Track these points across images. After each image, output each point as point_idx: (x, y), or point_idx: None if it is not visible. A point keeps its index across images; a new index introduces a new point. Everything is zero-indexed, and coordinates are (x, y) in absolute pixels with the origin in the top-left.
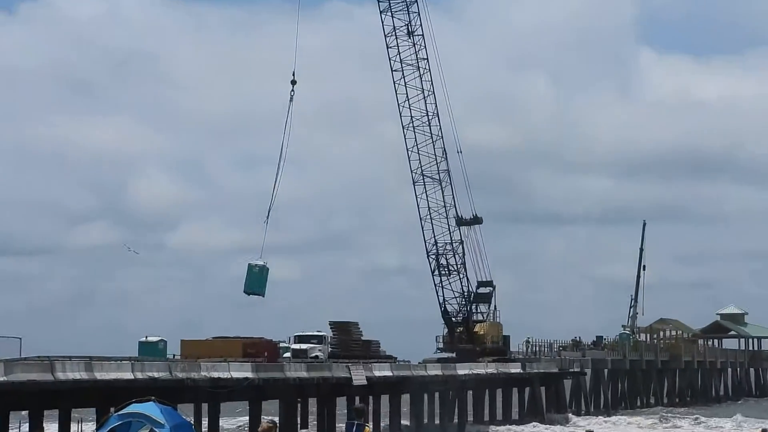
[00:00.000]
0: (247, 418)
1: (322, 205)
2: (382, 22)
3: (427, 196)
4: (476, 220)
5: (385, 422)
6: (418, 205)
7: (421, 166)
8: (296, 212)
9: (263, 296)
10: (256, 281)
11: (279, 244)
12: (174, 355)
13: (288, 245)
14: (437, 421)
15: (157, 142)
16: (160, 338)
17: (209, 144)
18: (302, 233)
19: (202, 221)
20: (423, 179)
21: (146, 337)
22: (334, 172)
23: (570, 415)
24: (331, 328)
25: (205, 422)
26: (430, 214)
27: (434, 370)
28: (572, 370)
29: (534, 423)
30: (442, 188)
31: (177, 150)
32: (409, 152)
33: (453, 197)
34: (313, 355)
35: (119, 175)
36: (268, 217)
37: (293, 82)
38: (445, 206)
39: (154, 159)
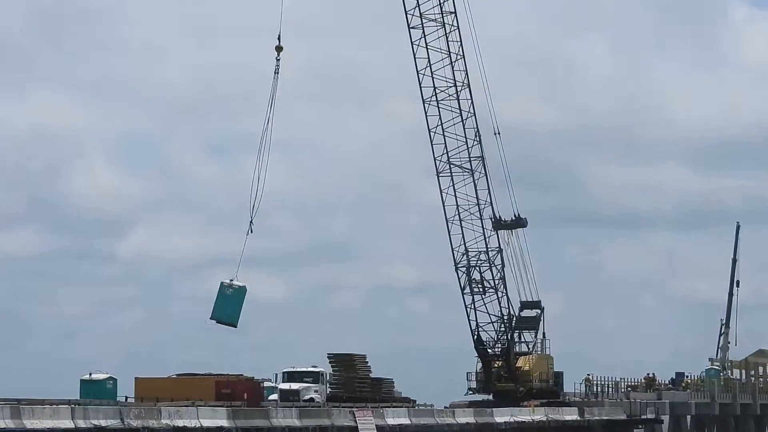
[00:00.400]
0: None
1: (316, 202)
2: None
3: (455, 191)
4: (519, 223)
5: None
6: (443, 203)
7: (447, 152)
8: (283, 212)
9: (236, 326)
10: (227, 306)
11: (260, 253)
12: (126, 398)
13: (272, 255)
14: None
15: (103, 120)
16: (107, 375)
17: (170, 123)
18: (291, 240)
19: (162, 224)
20: (450, 169)
21: (90, 374)
22: (332, 159)
23: None
24: (330, 362)
25: None
26: (458, 214)
27: (465, 417)
28: (645, 416)
29: None
30: (474, 181)
31: (128, 131)
32: (432, 134)
33: (489, 192)
34: (308, 397)
35: (52, 164)
36: (251, 225)
37: (279, 49)
38: (478, 204)
39: (98, 143)
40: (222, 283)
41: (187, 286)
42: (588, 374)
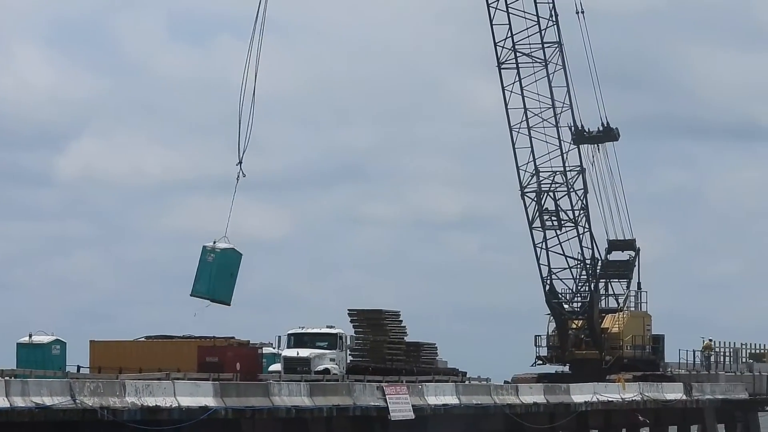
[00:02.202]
0: None
1: (326, 105)
2: None
3: (521, 89)
4: (608, 135)
5: None
6: (506, 105)
7: (511, 35)
8: (281, 120)
9: (229, 304)
10: (216, 278)
11: (253, 175)
12: (78, 367)
13: (268, 178)
14: None
15: None
16: (53, 338)
17: None
18: (292, 157)
19: (116, 132)
20: (515, 58)
21: (30, 337)
22: (347, 44)
23: None
24: (351, 321)
25: None
26: (527, 119)
27: (532, 396)
28: None
29: None
30: (548, 75)
31: (65, 8)
32: (492, 9)
33: (568, 91)
34: (321, 367)
35: None
36: (240, 169)
37: None
38: (553, 107)
39: (24, 25)
40: (204, 247)
41: (152, 220)
42: (709, 339)
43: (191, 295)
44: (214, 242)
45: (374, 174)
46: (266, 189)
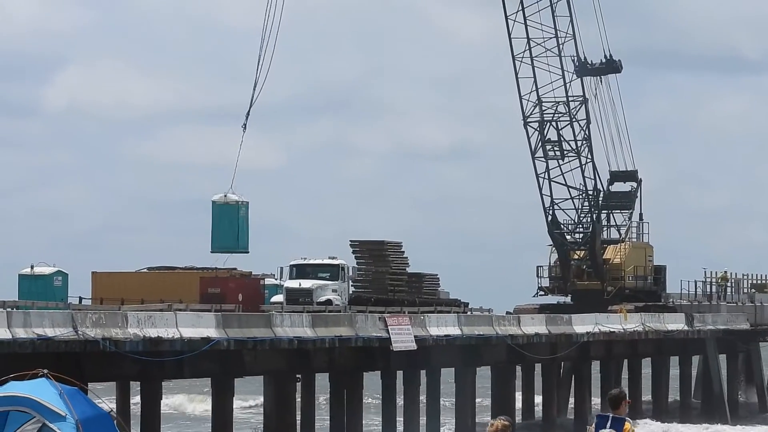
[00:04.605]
0: (209, 406)
1: (312, 37)
2: None
3: (525, 18)
4: (611, 66)
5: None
6: (509, 34)
7: None
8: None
9: (247, 251)
10: (235, 233)
11: (243, 108)
12: (81, 299)
13: (257, 109)
14: (539, 413)
15: None
16: (55, 269)
17: None
18: (278, 87)
19: (101, 64)
20: None
21: (32, 268)
22: None
23: None
24: (353, 252)
25: (135, 411)
26: (530, 49)
27: (534, 326)
28: None
29: (706, 425)
30: (551, 4)
31: None
32: None
33: (571, 21)
34: (324, 298)
35: None
36: (246, 120)
37: None
38: (557, 37)
39: None
40: (214, 201)
41: (139, 150)
42: (725, 270)
43: (212, 252)
44: (225, 195)
45: (359, 104)
46: (255, 121)
